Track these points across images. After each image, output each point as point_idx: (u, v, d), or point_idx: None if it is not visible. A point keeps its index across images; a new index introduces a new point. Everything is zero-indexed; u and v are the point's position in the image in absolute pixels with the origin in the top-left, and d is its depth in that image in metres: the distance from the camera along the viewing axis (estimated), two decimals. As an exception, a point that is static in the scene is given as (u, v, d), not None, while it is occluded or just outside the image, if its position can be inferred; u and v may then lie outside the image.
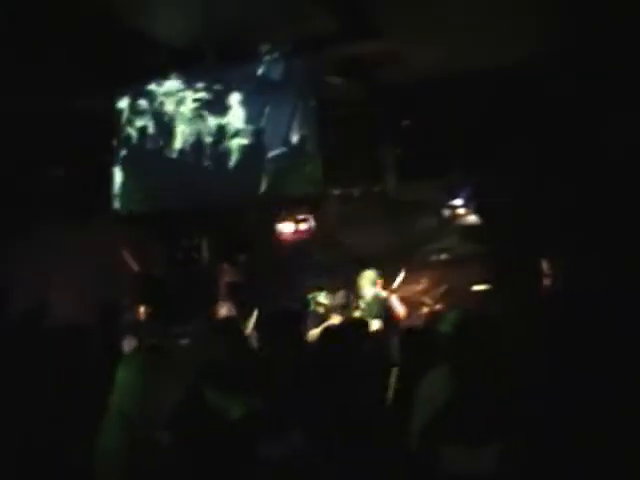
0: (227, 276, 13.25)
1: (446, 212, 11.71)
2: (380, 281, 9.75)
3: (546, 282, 9.27)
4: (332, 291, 11.03)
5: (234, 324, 7.08)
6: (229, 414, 4.21)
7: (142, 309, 11.82)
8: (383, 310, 9.47)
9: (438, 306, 11.12)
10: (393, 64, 9.05)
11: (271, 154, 9.34)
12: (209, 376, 4.33)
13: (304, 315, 9.30)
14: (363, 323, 7.02)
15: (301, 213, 12.07)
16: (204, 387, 4.27)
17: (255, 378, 4.46)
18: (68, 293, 10.91)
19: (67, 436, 4.42)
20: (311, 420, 4.36)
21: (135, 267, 12.70)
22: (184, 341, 8.05)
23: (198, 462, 4.00)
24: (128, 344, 7.63)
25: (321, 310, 11.11)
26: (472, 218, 11.43)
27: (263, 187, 9.52)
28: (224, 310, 9.60)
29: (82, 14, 7.58)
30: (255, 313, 9.14)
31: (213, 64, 9.43)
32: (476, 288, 11.05)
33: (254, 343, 7.43)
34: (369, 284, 9.71)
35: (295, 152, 9.24)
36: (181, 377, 4.04)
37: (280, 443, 4.12)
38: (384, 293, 9.72)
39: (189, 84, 9.77)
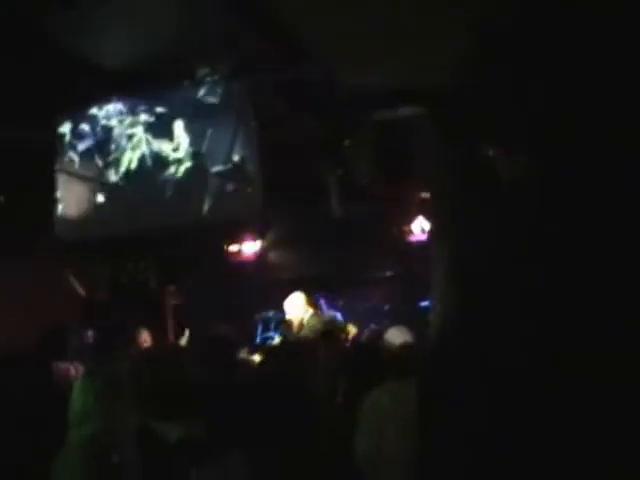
0: (172, 299, 13.26)
1: (390, 232, 11.82)
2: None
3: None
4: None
5: (170, 349, 7.11)
6: (168, 438, 4.23)
7: (89, 333, 11.78)
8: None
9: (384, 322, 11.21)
10: (331, 87, 9.10)
11: (213, 177, 9.34)
12: (146, 401, 4.35)
13: (237, 339, 9.25)
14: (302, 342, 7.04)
15: (245, 234, 12.12)
16: (144, 412, 4.30)
17: (191, 402, 4.48)
18: (13, 321, 10.84)
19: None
20: (249, 442, 4.39)
21: (81, 292, 12.64)
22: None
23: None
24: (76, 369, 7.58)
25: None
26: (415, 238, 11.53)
27: (206, 209, 9.53)
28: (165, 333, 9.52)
29: (20, 41, 7.55)
30: (186, 335, 9.13)
31: (154, 88, 9.44)
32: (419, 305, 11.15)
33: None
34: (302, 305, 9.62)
35: (237, 174, 9.25)
36: (129, 401, 4.08)
37: (217, 466, 4.15)
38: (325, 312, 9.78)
39: (131, 108, 9.76)
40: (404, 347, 5.77)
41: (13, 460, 4.85)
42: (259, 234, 12.33)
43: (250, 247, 12.25)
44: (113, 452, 3.87)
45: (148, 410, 4.26)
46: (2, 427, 5.42)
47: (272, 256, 12.75)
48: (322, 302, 10.06)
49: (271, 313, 11.85)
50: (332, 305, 10.36)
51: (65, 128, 10.02)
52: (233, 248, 12.28)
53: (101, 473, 3.76)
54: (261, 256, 12.52)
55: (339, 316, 10.14)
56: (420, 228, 11.51)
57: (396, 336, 6.13)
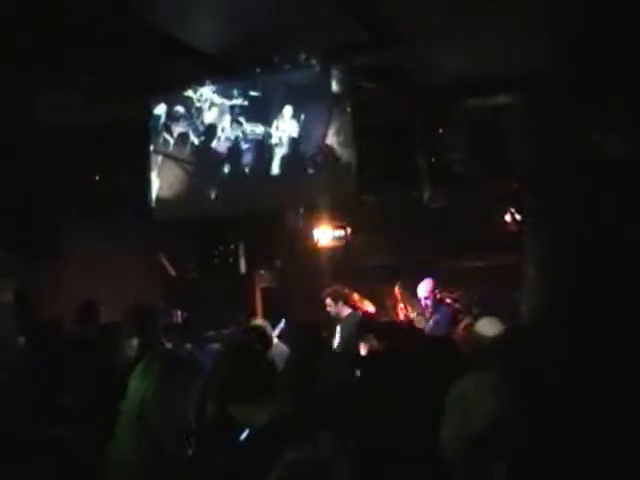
0: (262, 282, 13.34)
1: (485, 221, 11.70)
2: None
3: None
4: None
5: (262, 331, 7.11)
6: (253, 423, 4.21)
7: (178, 313, 11.94)
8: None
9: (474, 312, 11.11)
10: (427, 71, 9.03)
11: (307, 161, 9.33)
12: (230, 388, 4.34)
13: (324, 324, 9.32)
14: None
15: (337, 220, 12.10)
16: (226, 399, 4.28)
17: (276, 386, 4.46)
18: (106, 298, 11.01)
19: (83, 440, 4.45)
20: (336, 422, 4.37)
21: (172, 272, 12.80)
22: (214, 347, 8.04)
23: (220, 472, 4.00)
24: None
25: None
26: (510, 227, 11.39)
27: (299, 194, 9.54)
28: (257, 320, 9.57)
29: (118, 25, 7.63)
30: (281, 323, 9.16)
31: (249, 71, 9.46)
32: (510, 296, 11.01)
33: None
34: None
35: (330, 158, 9.22)
36: (195, 386, 4.02)
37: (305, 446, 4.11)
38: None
39: (225, 90, 9.79)
40: (494, 340, 5.67)
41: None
42: (350, 220, 12.30)
43: (340, 233, 12.23)
44: (173, 436, 3.82)
45: (231, 395, 4.24)
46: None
47: (361, 242, 12.71)
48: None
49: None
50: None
51: (160, 110, 10.11)
52: (324, 233, 12.27)
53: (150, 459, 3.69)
54: (350, 242, 12.50)
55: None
56: (512, 218, 11.36)
57: (487, 328, 6.02)
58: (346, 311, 9.78)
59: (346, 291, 9.94)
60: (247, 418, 4.19)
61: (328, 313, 9.82)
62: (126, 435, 3.76)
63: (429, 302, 9.92)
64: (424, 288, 10.01)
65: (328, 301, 9.82)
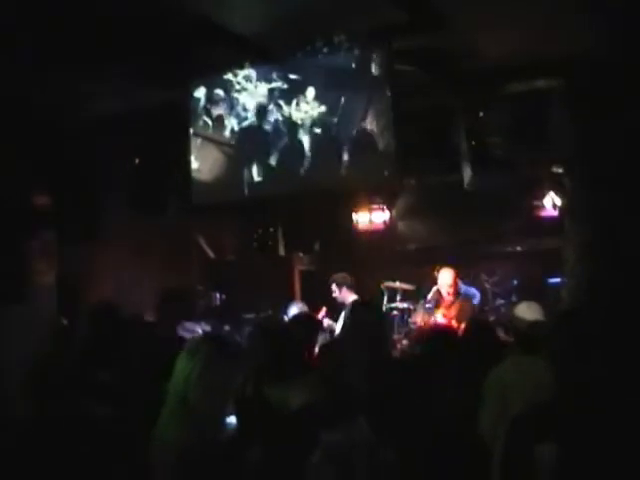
0: (301, 265, 13.37)
1: (521, 206, 11.64)
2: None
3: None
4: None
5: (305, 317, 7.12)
6: (288, 405, 4.24)
7: (216, 295, 12.00)
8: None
9: (513, 299, 11.08)
10: (468, 54, 8.97)
11: (346, 144, 9.33)
12: (267, 369, 4.36)
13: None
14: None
15: (376, 203, 12.09)
16: (262, 380, 4.30)
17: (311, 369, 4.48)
18: (144, 282, 11.09)
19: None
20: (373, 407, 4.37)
21: (211, 255, 12.86)
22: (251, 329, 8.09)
23: (261, 453, 4.02)
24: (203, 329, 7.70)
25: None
26: (547, 213, 11.32)
27: (338, 177, 9.53)
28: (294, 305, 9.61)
29: (158, 9, 7.65)
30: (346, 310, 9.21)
31: (288, 55, 9.46)
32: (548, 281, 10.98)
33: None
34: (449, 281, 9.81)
35: (370, 142, 9.21)
36: (239, 368, 4.04)
37: (342, 430, 4.13)
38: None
39: (265, 74, 9.79)
40: (534, 324, 5.66)
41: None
42: (389, 203, 12.29)
43: (379, 216, 12.21)
44: (216, 419, 3.84)
45: (266, 378, 4.27)
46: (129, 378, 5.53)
47: (401, 226, 12.69)
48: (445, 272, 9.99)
49: (397, 283, 11.81)
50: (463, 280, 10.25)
51: (200, 93, 10.15)
52: (362, 217, 12.26)
53: (194, 441, 3.71)
54: (390, 226, 12.48)
55: (475, 293, 10.15)
56: (551, 203, 11.29)
57: (526, 312, 6.00)
58: (351, 297, 9.88)
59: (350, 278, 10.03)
60: (283, 400, 4.22)
61: (334, 299, 9.92)
62: (170, 416, 3.81)
63: (451, 291, 9.84)
64: (446, 278, 9.92)
65: (333, 287, 9.92)
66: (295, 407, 4.21)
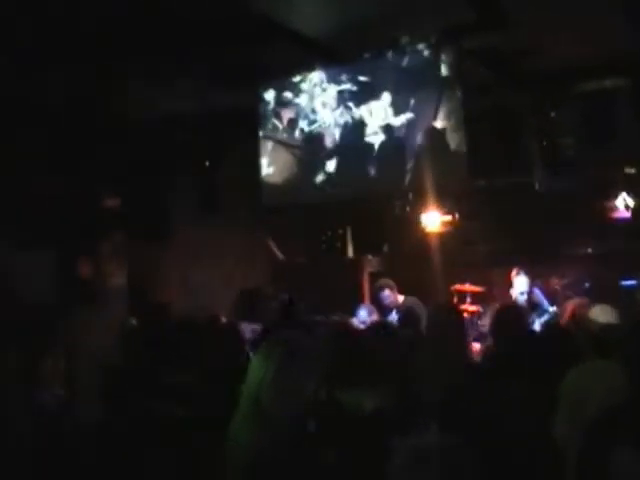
0: (370, 267, 13.34)
1: (596, 206, 11.49)
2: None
3: None
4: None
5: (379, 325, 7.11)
6: (361, 409, 4.23)
7: (285, 297, 12.02)
8: None
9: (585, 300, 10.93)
10: (537, 53, 8.90)
11: (416, 145, 9.30)
12: (338, 373, 4.36)
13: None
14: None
15: (445, 205, 12.02)
16: (334, 384, 4.30)
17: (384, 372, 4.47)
18: (214, 284, 11.17)
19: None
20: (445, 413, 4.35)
21: (280, 256, 12.91)
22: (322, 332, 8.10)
23: (335, 457, 4.01)
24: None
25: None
26: (619, 214, 11.17)
27: (408, 178, 9.51)
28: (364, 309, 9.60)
29: (226, 11, 7.69)
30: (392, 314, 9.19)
31: (357, 57, 9.46)
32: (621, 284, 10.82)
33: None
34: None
35: (440, 143, 9.17)
36: (313, 371, 4.03)
37: (415, 435, 4.11)
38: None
39: (334, 76, 9.81)
40: (608, 327, 5.58)
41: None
42: (458, 205, 12.21)
43: (448, 218, 12.14)
44: (288, 421, 3.83)
45: (338, 381, 4.26)
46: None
47: (469, 228, 12.60)
48: (519, 272, 9.87)
49: (467, 285, 11.74)
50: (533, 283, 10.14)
51: (269, 95, 10.21)
52: (431, 218, 12.20)
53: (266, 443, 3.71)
54: (458, 228, 12.40)
55: (539, 294, 10.02)
56: (624, 204, 11.13)
57: (600, 315, 5.93)
58: (401, 298, 9.94)
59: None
60: (355, 404, 4.21)
61: (386, 305, 9.93)
62: (244, 418, 3.81)
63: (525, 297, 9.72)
64: (521, 283, 9.81)
65: (387, 292, 9.91)
66: (368, 412, 4.20)
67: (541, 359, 5.40)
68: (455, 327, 5.88)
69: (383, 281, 10.19)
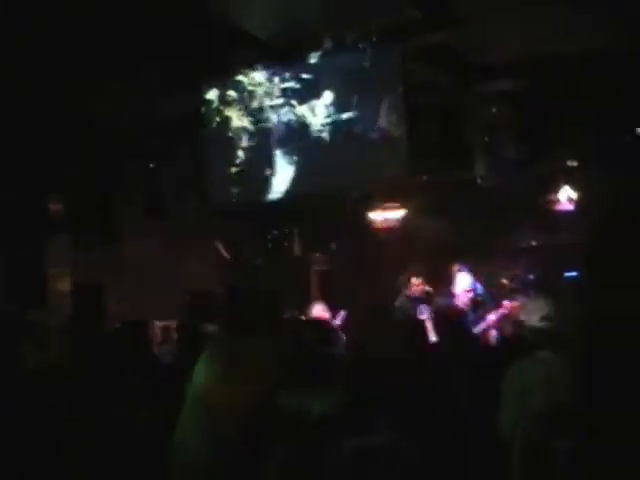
0: (318, 265, 13.38)
1: (536, 201, 11.60)
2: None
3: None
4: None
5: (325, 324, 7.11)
6: (309, 411, 4.23)
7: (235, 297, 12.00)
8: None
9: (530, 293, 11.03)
10: (478, 51, 8.98)
11: (359, 142, 9.34)
12: (286, 375, 4.36)
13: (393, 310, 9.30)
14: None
15: (390, 202, 12.08)
16: (282, 386, 4.31)
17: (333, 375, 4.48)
18: (166, 284, 11.13)
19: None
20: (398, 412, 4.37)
21: (227, 256, 12.88)
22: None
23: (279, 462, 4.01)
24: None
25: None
26: (562, 207, 11.28)
27: (352, 176, 9.54)
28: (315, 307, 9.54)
29: (172, 12, 7.68)
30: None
31: (301, 55, 9.47)
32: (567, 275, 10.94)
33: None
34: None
35: (383, 140, 9.22)
36: (260, 372, 4.02)
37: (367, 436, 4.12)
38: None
39: (277, 74, 9.81)
40: (547, 320, 5.65)
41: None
42: (403, 201, 12.27)
43: (394, 215, 12.19)
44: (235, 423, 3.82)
45: (284, 385, 4.26)
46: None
47: (415, 224, 12.67)
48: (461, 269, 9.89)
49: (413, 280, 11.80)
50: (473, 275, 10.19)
51: (212, 94, 10.16)
52: (377, 215, 12.25)
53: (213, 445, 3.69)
54: (404, 224, 12.47)
55: (479, 288, 10.06)
56: (567, 197, 11.26)
57: (542, 308, 5.99)
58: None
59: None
60: (302, 407, 4.21)
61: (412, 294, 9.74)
62: (189, 420, 3.80)
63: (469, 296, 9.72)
64: (464, 280, 9.79)
65: (415, 280, 9.78)
66: (316, 414, 4.21)
67: (482, 357, 5.47)
68: (393, 326, 5.90)
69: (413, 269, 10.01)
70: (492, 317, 9.19)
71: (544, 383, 4.75)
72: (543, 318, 5.65)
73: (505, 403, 4.97)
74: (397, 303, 9.54)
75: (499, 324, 8.84)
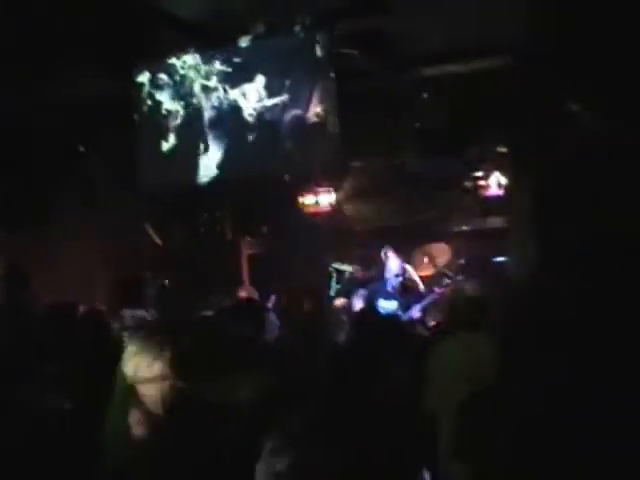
0: (249, 249, 13.36)
1: (466, 186, 11.71)
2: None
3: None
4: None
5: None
6: (234, 398, 4.23)
7: (165, 283, 11.95)
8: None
9: (459, 278, 11.16)
10: (409, 38, 9.03)
11: (292, 127, 9.36)
12: (210, 361, 4.36)
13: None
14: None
15: (321, 186, 12.10)
16: (205, 373, 4.30)
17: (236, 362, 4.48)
18: (93, 269, 11.02)
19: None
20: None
21: (158, 241, 12.80)
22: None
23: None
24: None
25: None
26: (492, 193, 11.40)
27: (283, 160, 9.57)
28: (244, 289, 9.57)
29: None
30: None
31: (232, 39, 9.45)
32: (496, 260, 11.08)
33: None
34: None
35: (315, 125, 9.26)
36: (189, 359, 4.01)
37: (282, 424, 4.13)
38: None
39: (209, 58, 9.77)
40: (474, 302, 5.74)
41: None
42: (335, 186, 12.29)
43: (326, 199, 12.21)
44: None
45: (198, 373, 4.25)
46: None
47: (347, 208, 12.72)
48: (389, 254, 9.98)
49: (344, 265, 11.88)
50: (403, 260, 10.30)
51: (144, 78, 10.07)
52: (309, 199, 12.26)
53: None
54: (336, 208, 12.50)
55: (414, 275, 10.19)
56: (496, 183, 11.38)
57: (467, 290, 6.10)
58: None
59: None
60: (222, 396, 4.19)
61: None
62: (118, 407, 3.79)
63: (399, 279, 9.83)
64: (393, 265, 9.90)
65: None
66: (240, 401, 4.20)
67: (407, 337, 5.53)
68: (317, 313, 5.92)
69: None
70: (423, 303, 9.36)
71: (465, 362, 4.85)
72: (469, 301, 5.76)
73: (430, 381, 5.05)
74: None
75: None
